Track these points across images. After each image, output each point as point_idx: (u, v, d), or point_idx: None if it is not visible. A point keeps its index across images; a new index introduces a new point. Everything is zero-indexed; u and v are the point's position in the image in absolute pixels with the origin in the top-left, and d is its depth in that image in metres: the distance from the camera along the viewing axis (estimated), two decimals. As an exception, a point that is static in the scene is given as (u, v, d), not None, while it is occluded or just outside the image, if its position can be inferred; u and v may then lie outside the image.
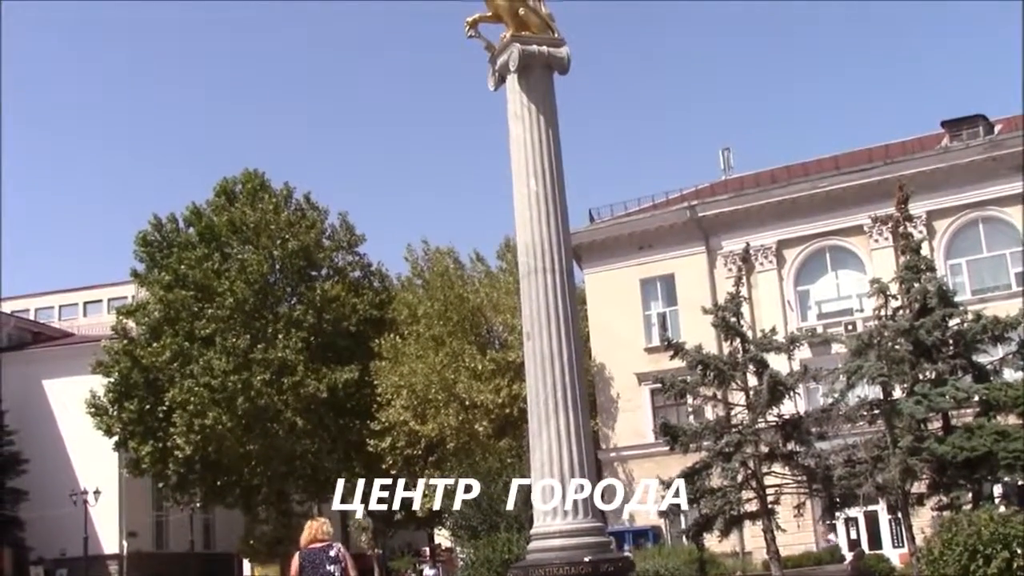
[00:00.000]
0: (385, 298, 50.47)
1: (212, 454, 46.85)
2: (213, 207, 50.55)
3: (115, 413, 48.43)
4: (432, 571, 43.65)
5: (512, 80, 14.15)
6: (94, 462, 53.44)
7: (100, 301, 73.44)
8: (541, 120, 13.79)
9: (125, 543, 55.81)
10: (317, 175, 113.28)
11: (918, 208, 36.30)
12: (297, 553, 11.84)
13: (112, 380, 48.33)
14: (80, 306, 75.12)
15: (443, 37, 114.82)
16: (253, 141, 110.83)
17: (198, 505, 54.20)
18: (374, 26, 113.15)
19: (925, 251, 32.65)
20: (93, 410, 49.00)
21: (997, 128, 41.90)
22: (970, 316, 27.52)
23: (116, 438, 49.34)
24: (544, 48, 14.11)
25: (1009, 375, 28.04)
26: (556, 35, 14.46)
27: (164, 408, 46.90)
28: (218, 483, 49.10)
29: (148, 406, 47.51)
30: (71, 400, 52.64)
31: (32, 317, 69.47)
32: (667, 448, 30.94)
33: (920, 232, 36.82)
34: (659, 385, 32.26)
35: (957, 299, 29.34)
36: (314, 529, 11.94)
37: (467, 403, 42.21)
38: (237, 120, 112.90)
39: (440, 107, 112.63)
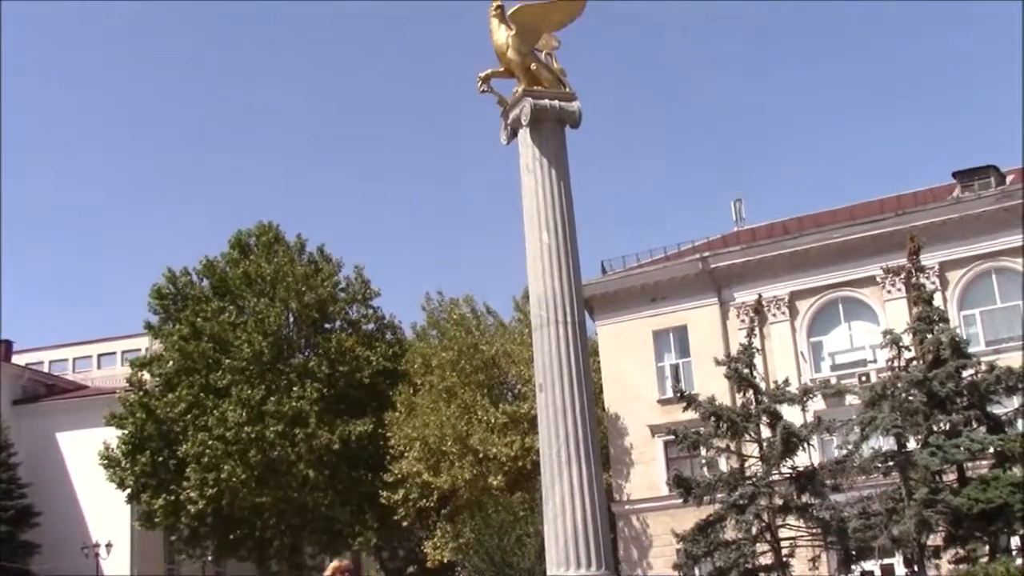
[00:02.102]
0: (398, 350, 50.54)
1: (225, 507, 46.73)
2: (227, 260, 50.86)
3: (128, 465, 48.40)
4: None
5: (524, 134, 14.32)
6: (106, 515, 53.35)
7: (114, 353, 73.63)
8: (553, 173, 13.93)
9: (137, 597, 55.51)
10: (331, 227, 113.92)
11: (930, 259, 36.32)
12: None
13: (126, 432, 48.37)
14: (94, 358, 75.32)
15: (455, 90, 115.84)
16: (267, 193, 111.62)
17: (210, 558, 53.96)
18: (390, 78, 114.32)
19: (938, 302, 32.70)
20: (106, 462, 48.99)
21: (1009, 179, 41.96)
22: (984, 367, 27.52)
23: (129, 491, 49.27)
24: (556, 102, 14.30)
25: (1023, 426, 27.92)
26: (568, 89, 14.66)
27: (177, 461, 46.89)
28: (231, 536, 48.91)
29: (161, 458, 47.49)
30: (84, 452, 52.65)
31: (46, 369, 69.67)
32: (681, 500, 30.81)
33: (933, 283, 36.81)
34: (672, 437, 32.22)
35: (971, 350, 29.32)
36: (335, 567, 12.01)
37: (481, 456, 42.10)
38: (252, 173, 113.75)
39: (454, 160, 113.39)
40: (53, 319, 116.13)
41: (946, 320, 29.59)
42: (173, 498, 47.14)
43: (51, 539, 53.72)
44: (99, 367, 73.81)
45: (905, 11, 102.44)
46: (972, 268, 39.72)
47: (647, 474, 43.03)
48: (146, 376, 50.18)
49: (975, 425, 26.92)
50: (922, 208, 40.92)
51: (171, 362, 48.58)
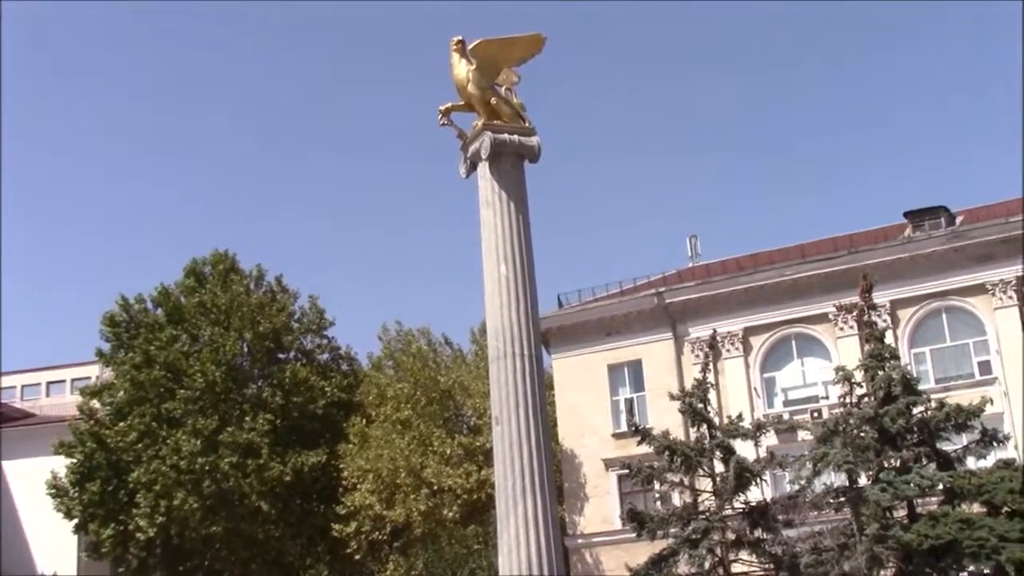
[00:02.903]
0: (353, 381, 50.32)
1: (175, 537, 46.17)
2: (182, 288, 50.50)
3: (76, 495, 47.74)
4: None
5: (483, 167, 14.42)
6: (53, 545, 52.51)
7: (63, 381, 72.73)
8: (511, 207, 14.03)
9: (82, 629, 54.59)
10: (285, 256, 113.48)
11: (882, 297, 36.81)
12: None
13: (74, 461, 47.73)
14: (43, 386, 74.33)
15: (416, 122, 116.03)
16: (224, 222, 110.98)
17: (158, 590, 53.21)
18: (350, 107, 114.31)
19: (889, 339, 33.10)
20: (54, 492, 48.31)
21: (959, 219, 42.65)
22: (934, 404, 27.86)
23: (76, 520, 48.56)
24: (515, 137, 14.42)
25: (972, 463, 28.27)
26: (527, 124, 14.79)
27: (127, 490, 46.31)
28: (180, 568, 48.30)
29: (110, 488, 46.88)
30: (31, 482, 51.84)
31: (-6, 397, 68.64)
32: (634, 534, 30.82)
33: (884, 321, 37.27)
34: (626, 471, 32.25)
35: (921, 387, 29.71)
36: None
37: (435, 488, 41.92)
38: (209, 201, 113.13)
39: (413, 192, 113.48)
40: (2, 346, 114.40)
41: (897, 357, 29.94)
42: (122, 528, 46.52)
43: (-5, 569, 52.82)
44: (48, 395, 72.85)
45: (859, 50, 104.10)
46: (922, 307, 40.24)
47: (601, 508, 43.04)
48: (96, 405, 49.60)
49: (925, 462, 27.23)
50: (874, 247, 41.46)
51: (122, 391, 48.06)
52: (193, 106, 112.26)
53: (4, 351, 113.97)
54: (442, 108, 15.14)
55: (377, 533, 44.43)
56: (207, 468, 44.90)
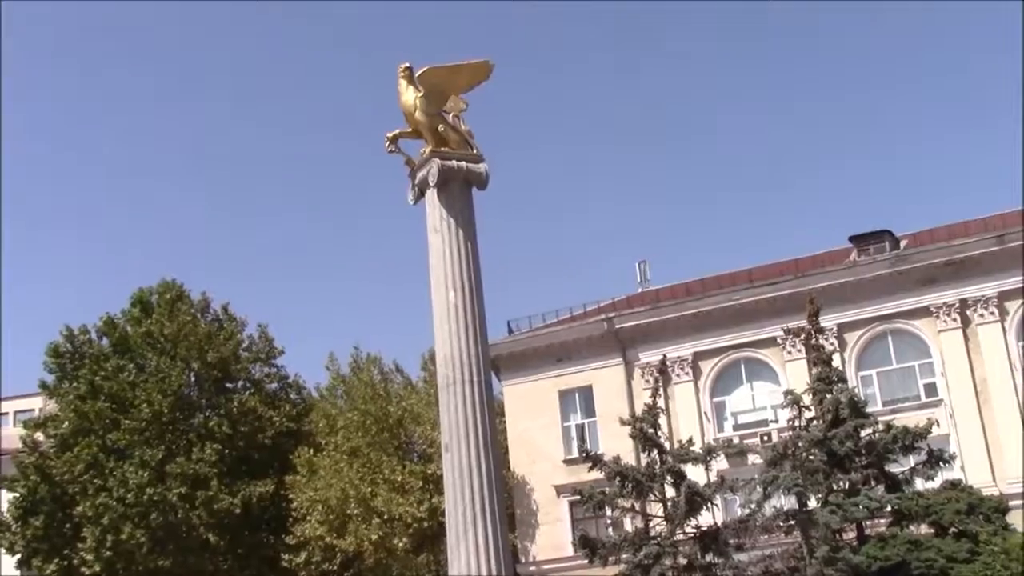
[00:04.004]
0: (302, 410, 49.91)
1: (121, 572, 45.39)
2: (128, 318, 49.91)
3: (19, 530, 46.87)
4: None
5: (431, 194, 14.40)
6: (-5, 582, 51.50)
7: (6, 414, 71.42)
8: (460, 233, 14.02)
9: (25, 668, 53.47)
10: (235, 285, 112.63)
11: (829, 321, 37.19)
12: None
13: (17, 495, 46.88)
14: (-15, 419, 72.96)
15: (364, 144, 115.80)
16: (171, 251, 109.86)
17: (104, 627, 52.27)
18: (298, 134, 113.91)
19: (837, 363, 33.48)
20: (-5, 527, 47.40)
21: (903, 243, 43.24)
22: (881, 426, 28.15)
23: (19, 556, 47.66)
24: (463, 164, 14.43)
25: (920, 484, 28.54)
26: (475, 151, 14.80)
27: (72, 524, 45.53)
28: (126, 603, 47.53)
29: (55, 522, 46.07)
30: (-27, 516, 50.80)
31: (-65, 430, 67.29)
32: (586, 561, 30.76)
33: (831, 344, 37.65)
34: (578, 497, 32.17)
35: (868, 410, 30.01)
36: None
37: (386, 516, 41.62)
38: (155, 230, 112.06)
39: (361, 219, 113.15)
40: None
41: (844, 380, 30.24)
42: (66, 563, 45.69)
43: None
44: (-10, 428, 71.48)
45: (805, 75, 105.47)
46: (869, 330, 40.71)
47: (553, 534, 42.95)
48: (40, 437, 48.80)
49: (873, 483, 27.48)
50: (820, 271, 41.90)
51: (67, 422, 47.32)
52: (134, 131, 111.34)
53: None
54: (389, 135, 15.12)
55: (328, 563, 43.97)
56: (154, 500, 44.26)
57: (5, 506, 47.60)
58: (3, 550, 47.81)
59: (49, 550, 46.24)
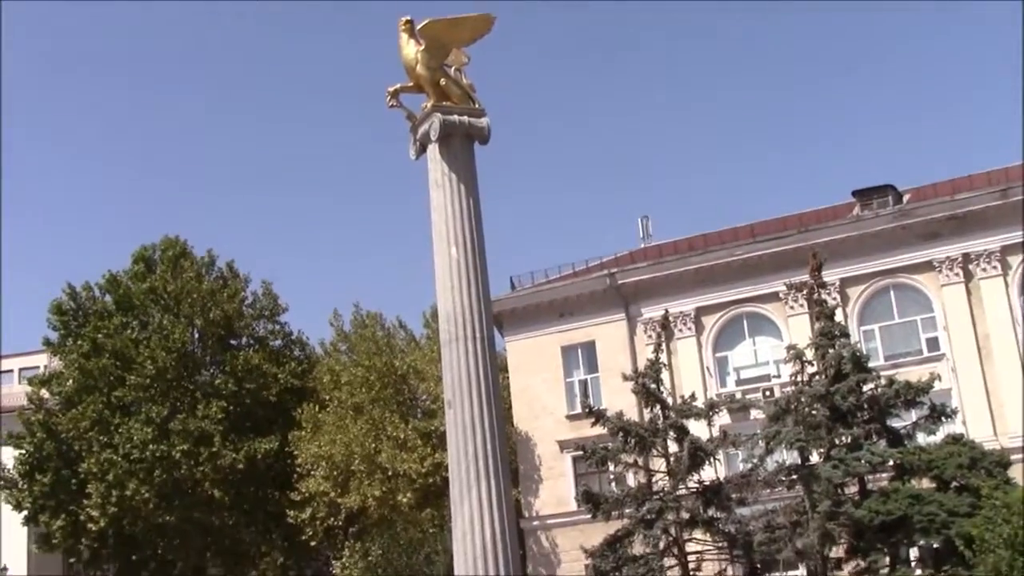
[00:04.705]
0: (306, 367, 50.02)
1: (127, 527, 45.76)
2: (131, 275, 49.91)
3: (25, 486, 47.18)
4: None
5: (433, 149, 14.30)
6: (1, 538, 51.85)
7: (11, 371, 71.61)
8: (462, 188, 13.94)
9: (34, 621, 54.07)
10: (235, 241, 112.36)
11: (831, 276, 37.15)
12: None
13: (23, 452, 47.13)
14: (-10, 376, 73.19)
15: (365, 101, 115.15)
16: (174, 208, 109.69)
17: (111, 582, 52.78)
18: (299, 90, 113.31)
19: (839, 317, 33.39)
20: (2, 483, 47.72)
21: (906, 197, 43.08)
22: (883, 381, 28.14)
23: (26, 512, 48.01)
24: (465, 118, 14.31)
25: (922, 439, 28.60)
26: (477, 105, 14.68)
27: (78, 480, 45.82)
28: (133, 558, 47.92)
29: (61, 478, 46.37)
30: (-21, 474, 51.12)
31: (-60, 388, 67.55)
32: (589, 516, 30.92)
33: (834, 299, 37.61)
34: (581, 452, 32.30)
35: (870, 365, 29.97)
36: None
37: (390, 473, 41.82)
38: (156, 186, 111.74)
39: (365, 174, 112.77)
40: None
41: (847, 335, 30.19)
42: (73, 519, 46.05)
43: (-57, 564, 52.09)
44: (-4, 385, 71.72)
45: (808, 30, 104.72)
46: (871, 284, 40.65)
47: (556, 490, 43.15)
48: (45, 394, 48.99)
49: (875, 438, 27.50)
50: (823, 226, 41.78)
51: (71, 380, 47.50)
52: (138, 89, 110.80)
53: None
54: (390, 89, 14.99)
55: (332, 519, 44.31)
56: (159, 456, 44.54)
57: (11, 463, 47.84)
58: (10, 506, 48.09)
59: (55, 506, 46.59)
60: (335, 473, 42.83)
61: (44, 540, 48.43)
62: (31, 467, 46.99)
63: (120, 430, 45.41)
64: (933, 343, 39.70)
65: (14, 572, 50.97)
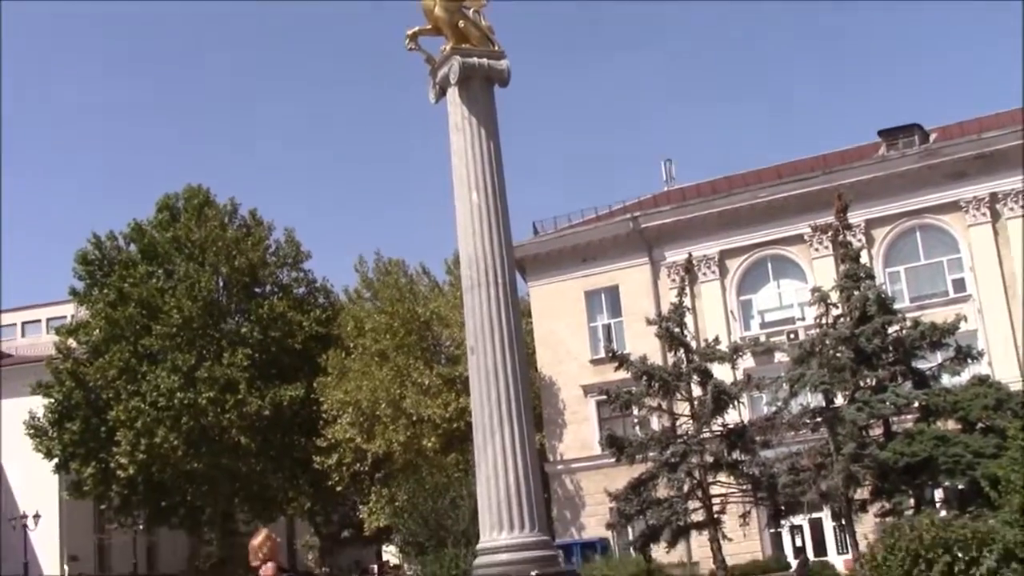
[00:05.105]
0: (330, 314, 50.16)
1: (156, 474, 46.26)
2: (156, 224, 50.01)
3: (55, 434, 47.68)
4: None
5: (452, 92, 14.13)
6: (33, 485, 52.51)
7: (39, 321, 72.18)
8: (482, 132, 13.77)
9: (67, 567, 54.87)
10: (261, 190, 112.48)
11: (857, 217, 36.79)
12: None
13: (53, 401, 47.57)
14: (18, 326, 73.81)
15: (384, 46, 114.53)
16: (195, 156, 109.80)
17: (141, 527, 53.44)
18: (319, 38, 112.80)
19: (864, 259, 33.12)
20: (32, 432, 48.21)
21: (932, 137, 42.54)
22: (908, 323, 27.92)
23: (56, 460, 48.55)
24: (484, 60, 14.11)
25: (947, 380, 28.43)
26: (496, 47, 14.47)
27: (107, 428, 46.26)
28: (162, 504, 48.50)
29: (90, 426, 46.82)
30: (9, 422, 51.72)
31: (-31, 338, 68.19)
32: (613, 460, 30.97)
33: (859, 241, 37.30)
34: (605, 397, 32.32)
35: (896, 306, 29.76)
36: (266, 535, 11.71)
37: (414, 418, 42.01)
38: (179, 135, 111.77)
39: (386, 119, 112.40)
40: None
41: (872, 277, 29.95)
42: (103, 466, 46.55)
43: (-25, 511, 52.92)
44: (23, 335, 72.36)
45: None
46: (897, 225, 40.28)
47: (580, 434, 43.26)
48: (73, 343, 49.34)
49: (900, 380, 27.37)
50: (848, 167, 41.34)
51: (98, 329, 47.81)
52: (162, 39, 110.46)
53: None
54: (409, 32, 14.79)
55: (358, 465, 44.63)
56: (186, 404, 44.88)
57: (41, 412, 48.31)
58: (41, 454, 48.63)
59: (85, 454, 47.10)
60: (360, 419, 43.07)
61: (75, 487, 49.02)
62: (60, 415, 47.45)
63: (147, 378, 45.75)
64: (959, 284, 39.38)
65: (47, 519, 51.69)
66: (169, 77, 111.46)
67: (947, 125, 43.72)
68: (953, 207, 39.40)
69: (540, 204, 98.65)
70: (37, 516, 50.32)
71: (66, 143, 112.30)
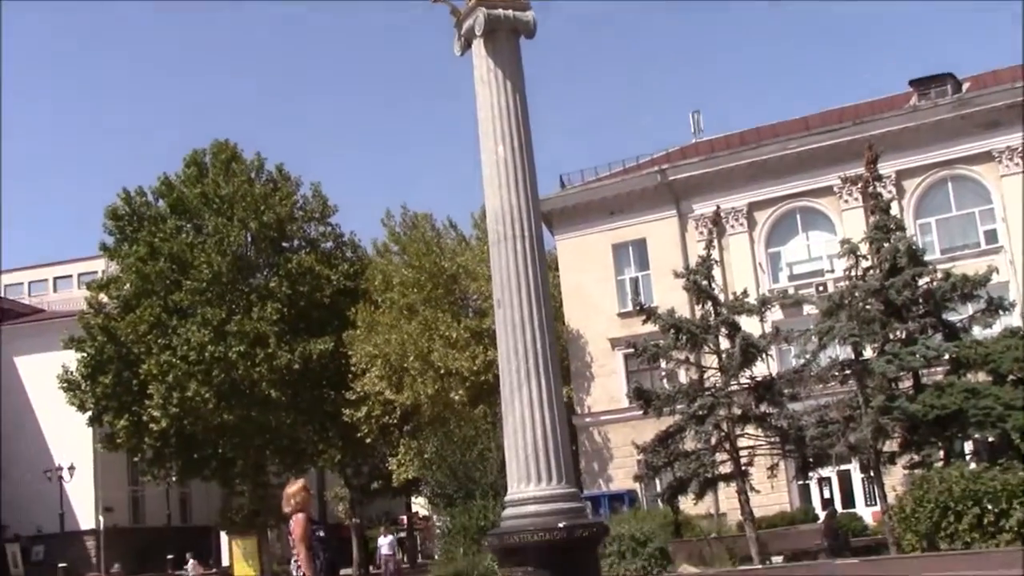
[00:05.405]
0: (358, 268, 50.35)
1: (188, 427, 46.77)
2: (184, 179, 50.20)
3: (88, 388, 48.23)
4: (388, 540, 42.37)
5: (478, 45, 13.99)
6: (68, 438, 53.31)
7: (70, 276, 72.96)
8: (508, 84, 13.65)
9: (102, 518, 55.76)
10: (288, 144, 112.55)
11: (887, 168, 36.46)
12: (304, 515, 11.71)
13: (85, 355, 48.08)
14: (49, 282, 74.63)
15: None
16: (224, 112, 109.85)
17: (174, 479, 54.17)
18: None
19: (895, 211, 32.88)
20: (66, 385, 48.79)
21: (965, 86, 42.02)
22: (939, 275, 27.72)
23: (90, 413, 49.17)
24: (509, 12, 13.95)
25: (978, 332, 28.24)
26: (522, -1, 14.29)
27: (139, 382, 46.75)
28: (194, 456, 49.06)
29: (122, 380, 47.32)
30: (43, 376, 52.37)
31: (1, 294, 68.98)
32: (641, 412, 31.04)
33: (889, 192, 37.01)
34: (632, 350, 32.28)
35: (926, 258, 29.53)
36: (301, 486, 11.91)
37: (442, 371, 42.23)
38: (208, 91, 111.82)
39: (412, 75, 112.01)
40: (7, 243, 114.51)
41: (903, 229, 29.66)
42: (135, 419, 47.10)
43: (13, 464, 53.75)
44: (55, 290, 73.18)
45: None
46: (928, 176, 39.93)
47: (607, 387, 43.39)
48: (104, 298, 49.78)
49: (930, 332, 27.17)
50: (879, 117, 40.96)
51: (129, 284, 48.21)
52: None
53: (8, 248, 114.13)
54: (434, -16, 14.63)
55: (387, 417, 44.99)
56: (217, 358, 45.28)
57: (74, 366, 48.85)
58: (75, 408, 49.23)
59: (118, 407, 47.64)
60: (389, 372, 43.34)
61: (108, 440, 49.63)
62: (93, 369, 47.95)
63: (178, 332, 46.15)
64: (991, 235, 39.06)
65: (81, 470, 52.44)
66: (194, 32, 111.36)
67: (980, 74, 43.17)
68: (986, 157, 38.99)
69: (567, 157, 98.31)
70: (72, 468, 51.07)
71: (95, 99, 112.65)
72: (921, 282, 27.48)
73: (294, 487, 11.89)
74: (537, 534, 11.83)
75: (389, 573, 39.73)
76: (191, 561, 44.66)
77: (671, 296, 35.46)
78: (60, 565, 48.73)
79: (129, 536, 56.88)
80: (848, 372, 27.30)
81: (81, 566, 52.95)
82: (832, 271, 39.03)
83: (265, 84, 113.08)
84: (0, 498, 54.25)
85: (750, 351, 28.02)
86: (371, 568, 49.82)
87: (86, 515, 55.35)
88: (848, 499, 39.30)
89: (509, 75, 13.67)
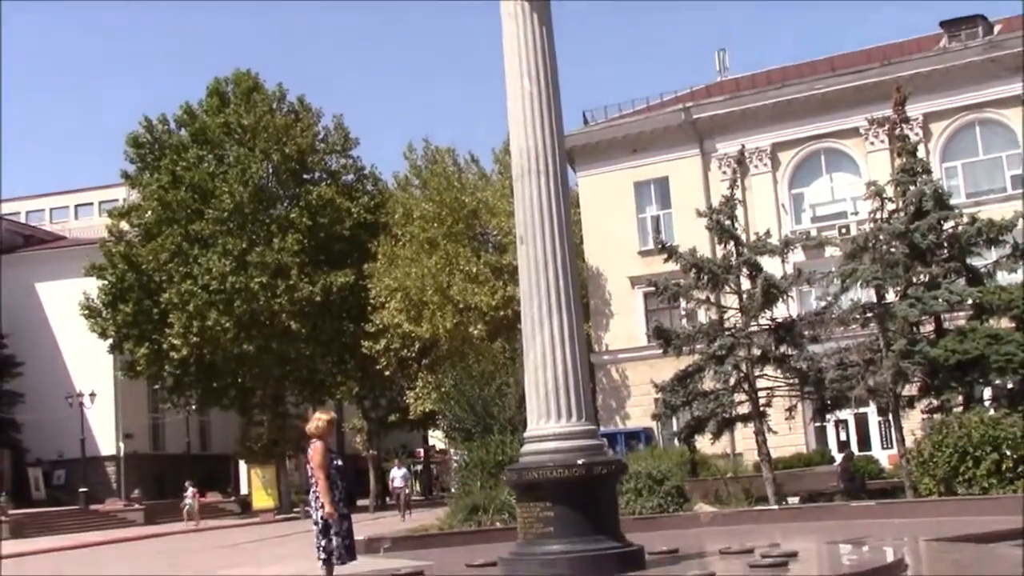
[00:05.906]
0: (379, 201, 50.30)
1: (208, 356, 47.08)
2: (206, 108, 50.05)
3: (109, 315, 48.54)
4: (401, 472, 42.62)
5: (505, -22, 13.82)
6: (89, 365, 53.80)
7: (91, 204, 73.05)
8: (535, 18, 13.49)
9: (122, 444, 56.46)
10: (310, 75, 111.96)
11: (915, 110, 36.01)
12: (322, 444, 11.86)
13: (106, 282, 48.31)
14: (71, 209, 74.80)
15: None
16: (245, 42, 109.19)
17: (194, 407, 54.69)
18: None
19: (921, 154, 32.49)
20: (87, 312, 49.10)
21: (997, 29, 41.36)
22: (965, 219, 27.45)
23: (111, 340, 49.53)
24: (538, -55, 13.75)
25: (1003, 278, 28.04)
26: (550, -69, 14.07)
27: (159, 310, 47.01)
28: (214, 385, 49.45)
29: (143, 308, 47.58)
30: (64, 303, 52.77)
31: (23, 220, 69.24)
32: (660, 351, 30.98)
33: (916, 135, 36.63)
34: (652, 288, 32.11)
35: (952, 202, 29.19)
36: (331, 418, 12.07)
37: (461, 306, 42.28)
38: (231, 21, 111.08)
39: (436, 7, 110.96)
40: (27, 169, 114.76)
41: (929, 172, 29.31)
42: (156, 347, 47.42)
43: (35, 389, 54.34)
44: (76, 218, 73.36)
45: None
46: (956, 120, 39.47)
47: (627, 325, 43.39)
48: (125, 226, 49.91)
49: (954, 277, 26.95)
50: (908, 58, 40.40)
51: (150, 212, 48.30)
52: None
53: (32, 175, 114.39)
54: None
55: (405, 350, 45.16)
56: (238, 288, 45.46)
57: (95, 293, 49.11)
58: (95, 335, 49.58)
59: (139, 335, 47.98)
60: (408, 305, 43.42)
61: (129, 367, 50.07)
62: (114, 297, 48.23)
63: (199, 262, 46.31)
64: (1018, 180, 38.65)
65: (102, 397, 52.93)
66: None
67: (1012, 16, 42.45)
68: (1015, 101, 38.47)
69: (591, 93, 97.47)
70: (93, 395, 51.55)
71: (115, 30, 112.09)
72: (946, 226, 27.23)
73: (325, 415, 12.06)
74: (556, 470, 11.89)
75: (403, 504, 40.19)
76: (190, 489, 44.26)
77: (692, 235, 35.24)
78: (81, 490, 49.40)
79: (149, 462, 57.62)
80: (870, 315, 27.13)
81: (101, 491, 53.70)
82: (856, 213, 38.75)
83: (289, 14, 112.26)
84: (21, 423, 54.91)
85: (771, 292, 27.81)
86: (387, 499, 50.33)
87: (107, 441, 56.02)
88: (864, 442, 39.37)
89: (535, 9, 13.52)
